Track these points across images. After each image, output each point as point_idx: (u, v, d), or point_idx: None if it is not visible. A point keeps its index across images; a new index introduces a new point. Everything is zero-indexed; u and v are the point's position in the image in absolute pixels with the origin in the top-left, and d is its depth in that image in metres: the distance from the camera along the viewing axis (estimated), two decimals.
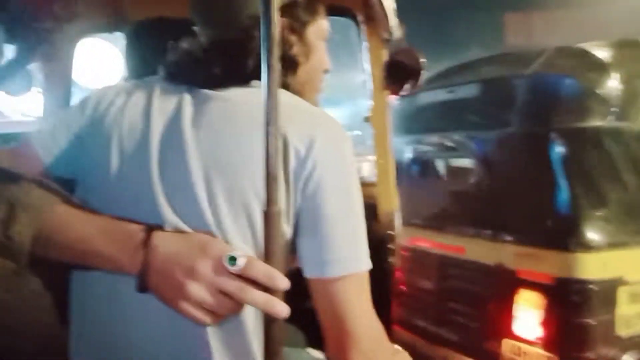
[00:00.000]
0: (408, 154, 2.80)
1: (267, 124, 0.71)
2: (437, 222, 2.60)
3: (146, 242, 0.76)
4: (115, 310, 0.84)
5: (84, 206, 0.85)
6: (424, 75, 1.72)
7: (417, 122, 2.82)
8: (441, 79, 2.79)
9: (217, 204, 0.81)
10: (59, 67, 1.74)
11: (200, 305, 0.73)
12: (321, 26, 1.06)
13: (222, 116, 0.86)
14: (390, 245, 1.73)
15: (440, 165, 2.75)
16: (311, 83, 1.06)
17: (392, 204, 1.75)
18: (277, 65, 0.71)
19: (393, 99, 1.91)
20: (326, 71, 1.11)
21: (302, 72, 1.00)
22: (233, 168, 0.82)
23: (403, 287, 2.68)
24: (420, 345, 2.65)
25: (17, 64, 1.84)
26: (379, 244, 1.71)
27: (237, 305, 0.74)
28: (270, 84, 0.71)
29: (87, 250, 0.80)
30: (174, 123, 0.86)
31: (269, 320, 0.72)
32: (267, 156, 0.71)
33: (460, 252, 2.49)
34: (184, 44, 0.94)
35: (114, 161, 0.86)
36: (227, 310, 0.74)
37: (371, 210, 1.75)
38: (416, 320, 2.71)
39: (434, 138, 2.68)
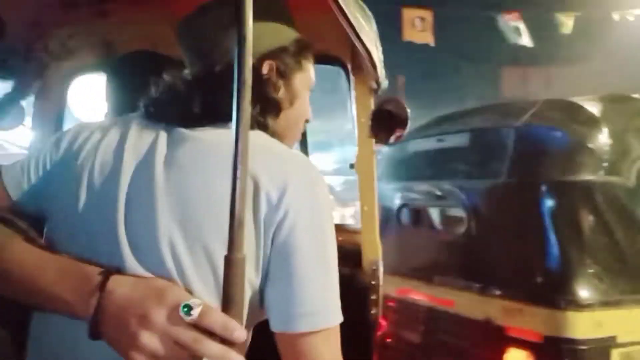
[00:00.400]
0: (397, 201, 2.76)
1: (235, 166, 0.68)
2: (425, 273, 2.53)
3: (102, 286, 0.72)
4: (71, 353, 0.80)
5: (43, 245, 0.83)
6: (409, 125, 1.72)
7: (406, 169, 2.80)
8: (432, 127, 2.78)
9: (179, 248, 0.77)
10: (51, 102, 1.75)
11: (152, 356, 0.69)
12: (308, 75, 1.06)
13: (194, 157, 0.83)
14: (373, 296, 1.67)
15: (429, 214, 2.70)
16: (292, 129, 1.05)
17: (376, 252, 1.71)
18: (248, 108, 0.69)
19: (380, 147, 1.90)
20: (307, 121, 1.10)
21: (284, 117, 0.99)
22: (199, 212, 0.78)
23: (389, 340, 2.59)
24: None
25: (10, 99, 1.85)
26: (361, 293, 1.66)
27: (193, 357, 0.69)
28: (240, 127, 0.69)
29: (41, 291, 0.77)
30: (146, 162, 0.85)
31: None
32: (233, 199, 0.68)
33: (449, 305, 2.41)
34: (166, 80, 0.93)
35: (82, 198, 0.84)
36: None
37: (355, 258, 1.71)
38: None
39: (423, 186, 2.64)
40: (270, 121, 0.94)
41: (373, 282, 1.69)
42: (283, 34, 1.00)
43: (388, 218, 2.74)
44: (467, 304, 2.35)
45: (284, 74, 0.99)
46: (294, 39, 1.02)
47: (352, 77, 1.77)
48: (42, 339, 0.86)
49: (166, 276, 0.76)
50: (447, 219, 2.51)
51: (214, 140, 0.85)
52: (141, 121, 0.92)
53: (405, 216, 2.76)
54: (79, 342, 0.74)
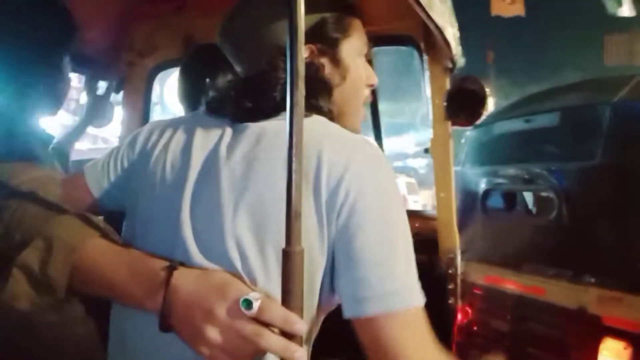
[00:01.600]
0: (482, 186, 2.66)
1: (290, 159, 0.69)
2: (514, 260, 2.44)
3: (167, 282, 0.76)
4: (149, 341, 0.83)
5: (117, 241, 0.88)
6: (500, 104, 1.65)
7: (492, 152, 2.69)
8: (519, 107, 2.65)
9: (243, 240, 0.79)
10: (138, 98, 1.84)
11: (219, 349, 0.72)
12: (356, 41, 1.02)
13: (256, 148, 0.86)
14: (450, 285, 1.66)
15: (517, 199, 2.58)
16: (351, 102, 1.03)
17: (453, 240, 1.70)
18: (301, 99, 0.70)
19: (457, 129, 1.83)
20: (371, 86, 1.07)
21: (339, 93, 0.98)
22: (262, 203, 0.80)
23: (475, 328, 2.53)
24: None
25: (100, 98, 1.97)
26: (438, 283, 1.67)
27: (258, 348, 0.72)
28: (294, 118, 0.69)
29: (114, 287, 0.82)
30: (212, 157, 0.88)
31: None
32: (289, 192, 0.69)
33: (540, 293, 2.31)
34: (220, 79, 0.97)
35: (155, 195, 0.90)
36: (248, 353, 0.72)
37: (433, 245, 1.69)
38: None
39: (511, 170, 2.52)
40: (324, 102, 0.94)
41: (450, 271, 1.69)
42: (315, 11, 0.95)
43: (473, 204, 2.66)
44: (558, 292, 2.24)
45: (325, 52, 0.97)
46: (328, 12, 0.97)
47: (425, 57, 1.72)
48: (121, 330, 0.91)
49: (230, 268, 0.78)
50: (536, 204, 2.39)
51: (274, 130, 0.87)
52: (206, 118, 0.96)
53: (491, 201, 2.66)
54: (154, 333, 0.78)
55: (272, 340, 0.69)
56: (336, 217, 0.79)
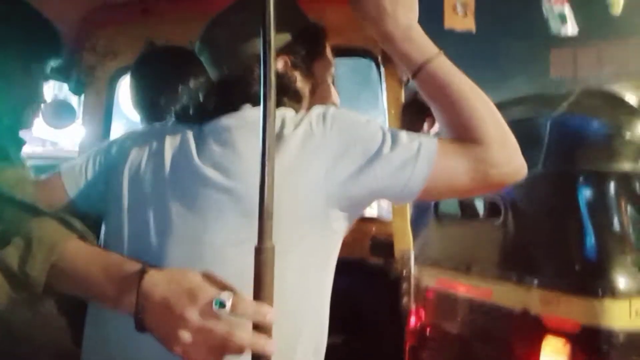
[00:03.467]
0: None
1: (263, 163, 0.73)
2: (463, 264, 2.57)
3: (138, 286, 0.79)
4: (125, 337, 0.87)
5: (94, 243, 0.92)
6: None
7: None
8: None
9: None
10: (100, 101, 1.85)
11: (193, 348, 0.76)
12: (327, 60, 1.11)
13: (221, 141, 0.93)
14: (404, 285, 1.75)
15: (466, 205, 2.72)
16: None
17: (407, 242, 1.78)
18: (273, 108, 0.74)
19: None
20: (333, 104, 1.13)
21: (309, 105, 1.05)
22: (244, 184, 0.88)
23: (428, 330, 2.64)
24: None
25: (62, 100, 1.97)
26: (393, 283, 1.74)
27: (231, 345, 0.75)
28: (267, 125, 0.73)
29: (90, 287, 0.85)
30: (184, 160, 0.94)
31: (256, 357, 0.74)
32: (262, 193, 0.72)
33: (487, 295, 2.44)
34: (192, 85, 1.04)
35: (132, 199, 0.95)
36: (220, 351, 0.76)
37: (388, 249, 1.78)
38: None
39: None
40: (296, 107, 1.01)
41: (405, 272, 1.76)
42: (293, 27, 1.04)
43: (426, 208, 2.79)
44: (504, 294, 2.37)
45: (299, 66, 1.05)
46: (306, 29, 1.07)
47: (382, 69, 1.80)
48: (97, 328, 0.95)
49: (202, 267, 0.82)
50: (484, 209, 2.53)
51: (238, 124, 0.93)
52: (176, 126, 1.01)
53: (443, 207, 2.79)
54: (131, 332, 0.81)
55: (242, 336, 0.73)
56: (329, 135, 0.90)
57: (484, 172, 0.91)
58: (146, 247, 0.89)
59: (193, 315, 0.75)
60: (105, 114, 1.88)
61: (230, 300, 0.73)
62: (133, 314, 0.79)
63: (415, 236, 2.95)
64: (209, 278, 0.79)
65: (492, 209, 2.49)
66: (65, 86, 1.96)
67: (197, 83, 1.03)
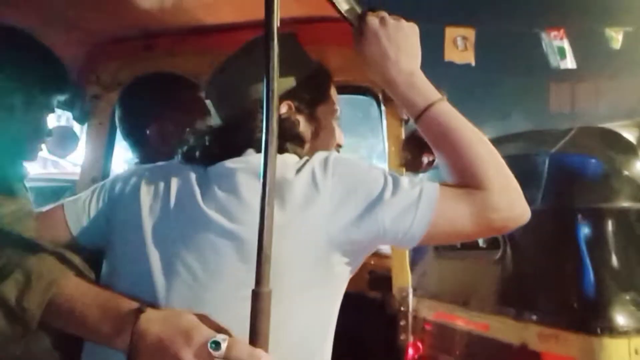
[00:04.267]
0: None
1: (263, 207, 0.73)
2: (462, 298, 2.58)
3: (133, 325, 0.80)
4: None
5: (91, 280, 0.93)
6: None
7: None
8: None
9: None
10: (103, 130, 1.89)
11: None
12: (331, 104, 1.13)
13: (225, 185, 0.93)
14: (402, 322, 1.74)
15: None
16: None
17: (405, 279, 1.77)
18: (275, 155, 0.75)
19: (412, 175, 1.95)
20: (339, 146, 1.17)
21: (310, 147, 1.06)
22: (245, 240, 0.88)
23: None
24: None
25: (65, 128, 1.97)
26: (391, 319, 1.74)
27: None
28: (267, 170, 0.73)
29: (86, 325, 0.85)
30: (188, 200, 0.95)
31: None
32: (260, 237, 0.73)
33: (485, 329, 2.44)
34: (199, 129, 1.06)
35: (136, 236, 0.95)
36: None
37: (387, 283, 1.79)
38: None
39: None
40: (295, 151, 1.01)
41: (403, 309, 1.75)
42: (298, 72, 1.05)
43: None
44: (502, 328, 2.38)
45: (302, 110, 1.06)
46: (311, 74, 1.08)
47: (382, 107, 1.83)
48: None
49: (194, 310, 0.82)
50: (483, 245, 2.55)
51: (242, 168, 0.94)
52: (180, 166, 1.02)
53: None
54: None
55: None
56: (331, 188, 0.90)
57: (486, 218, 0.91)
58: (147, 288, 0.89)
59: (187, 355, 0.75)
60: (107, 142, 1.91)
61: (226, 342, 0.73)
62: (127, 352, 0.80)
63: (413, 268, 2.97)
64: (205, 320, 0.79)
65: (491, 242, 2.51)
66: (69, 114, 1.99)
67: (202, 124, 1.06)
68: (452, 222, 0.91)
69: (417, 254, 2.91)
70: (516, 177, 2.49)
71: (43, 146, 1.34)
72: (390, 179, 0.91)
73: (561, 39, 7.21)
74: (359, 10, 1.01)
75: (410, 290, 1.77)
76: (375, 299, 1.82)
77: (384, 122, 1.84)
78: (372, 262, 1.81)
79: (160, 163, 1.09)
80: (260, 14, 0.74)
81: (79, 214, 1.03)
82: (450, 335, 2.58)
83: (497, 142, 2.90)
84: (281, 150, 0.94)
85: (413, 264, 3.00)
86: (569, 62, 7.44)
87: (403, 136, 1.81)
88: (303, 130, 1.05)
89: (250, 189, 0.89)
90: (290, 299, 0.85)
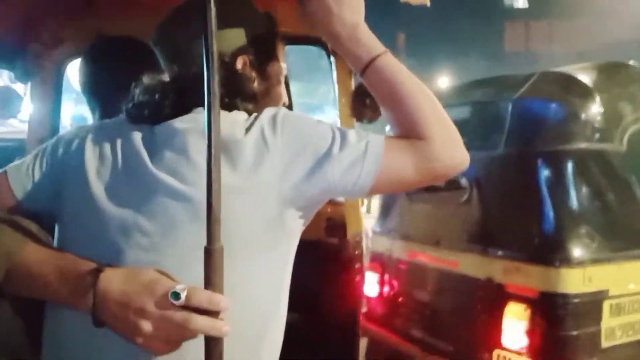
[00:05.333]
0: None
1: (210, 169, 0.74)
2: (433, 237, 2.74)
3: (94, 285, 0.81)
4: (84, 334, 0.87)
5: (48, 245, 0.93)
6: None
7: None
8: (441, 99, 2.92)
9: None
10: (47, 88, 1.83)
11: (154, 337, 0.79)
12: (280, 64, 1.13)
13: (174, 146, 0.93)
14: (357, 265, 1.81)
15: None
16: None
17: (358, 224, 1.83)
18: (218, 118, 0.75)
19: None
20: (284, 104, 1.14)
21: (261, 106, 1.03)
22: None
23: (400, 299, 2.82)
24: (418, 355, 2.79)
25: (7, 89, 1.96)
26: (346, 263, 1.81)
27: (189, 332, 0.78)
28: (212, 133, 0.74)
29: (47, 290, 0.87)
30: (135, 159, 0.94)
31: (210, 340, 0.77)
32: (209, 199, 0.74)
33: (454, 266, 2.62)
34: (144, 83, 1.00)
35: (83, 199, 0.94)
36: (180, 338, 0.80)
37: (342, 229, 1.85)
38: (414, 331, 2.85)
39: None
40: (247, 107, 1.00)
41: (357, 252, 1.82)
42: (249, 27, 1.04)
43: None
44: (470, 264, 2.56)
45: (256, 66, 1.05)
46: (262, 29, 1.07)
47: (332, 58, 1.85)
48: (56, 327, 0.94)
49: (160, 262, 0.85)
50: (452, 187, 2.68)
51: (190, 128, 0.93)
52: (126, 125, 0.99)
53: None
54: (90, 328, 0.83)
55: (199, 321, 0.76)
56: (280, 142, 0.91)
57: (429, 167, 0.95)
58: (103, 251, 0.89)
59: (152, 307, 0.78)
60: (53, 100, 1.85)
61: (185, 292, 0.76)
62: (91, 311, 0.81)
63: (388, 212, 3.12)
64: (164, 274, 0.82)
65: (458, 187, 2.65)
66: (8, 74, 1.94)
67: (151, 80, 1.00)
68: (398, 172, 0.95)
69: (390, 197, 3.05)
70: (481, 122, 2.66)
71: None
72: (337, 134, 0.93)
73: None
74: None
75: (364, 235, 1.84)
76: (332, 245, 1.88)
77: (334, 73, 1.86)
78: (329, 210, 1.85)
79: (103, 121, 1.08)
80: None
81: (23, 180, 1.01)
82: (423, 272, 2.76)
83: (463, 88, 3.03)
84: (231, 107, 0.96)
85: (387, 207, 3.16)
86: (521, 1, 7.38)
87: (352, 87, 1.76)
88: (257, 87, 1.04)
89: (200, 150, 0.88)
90: (244, 257, 0.88)
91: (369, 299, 3.01)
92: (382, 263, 3.02)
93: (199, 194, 0.83)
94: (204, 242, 0.75)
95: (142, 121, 0.98)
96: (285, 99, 1.16)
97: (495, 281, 2.43)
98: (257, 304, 0.93)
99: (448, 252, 2.65)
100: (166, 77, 1.01)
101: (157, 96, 0.97)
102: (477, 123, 2.67)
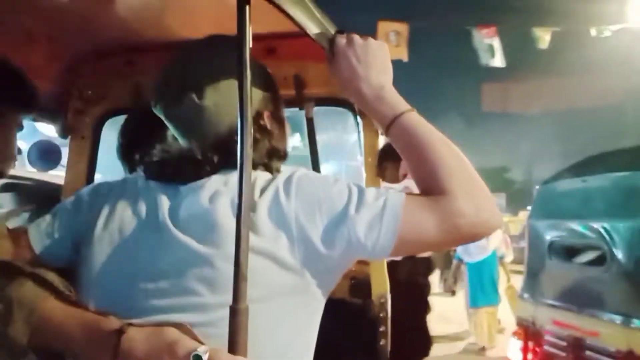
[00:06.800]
0: (548, 237, 2.95)
1: (239, 227, 0.76)
2: (575, 305, 2.72)
3: (117, 346, 0.81)
4: None
5: (70, 299, 0.91)
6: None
7: (556, 208, 2.98)
8: (579, 168, 2.96)
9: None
10: (86, 144, 1.87)
11: None
12: (283, 108, 1.12)
13: (193, 207, 0.93)
14: (381, 328, 1.75)
15: (577, 250, 2.89)
16: None
17: (384, 284, 1.79)
18: (249, 178, 0.79)
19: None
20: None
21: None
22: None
23: None
24: None
25: (48, 142, 1.98)
26: (371, 325, 1.76)
27: None
28: (242, 202, 0.76)
29: (71, 346, 0.87)
30: (154, 218, 0.94)
31: None
32: (237, 256, 0.76)
33: (595, 335, 2.60)
34: (163, 146, 1.03)
35: (104, 252, 0.95)
36: None
37: (367, 288, 1.80)
38: None
39: (571, 224, 2.82)
40: (273, 163, 1.00)
41: (382, 314, 1.76)
42: (260, 80, 1.03)
43: (541, 252, 2.96)
44: (611, 335, 2.54)
45: (278, 118, 1.06)
46: (266, 80, 1.06)
47: (359, 119, 1.85)
48: None
49: (175, 323, 0.83)
50: (593, 255, 2.68)
51: (211, 187, 0.93)
52: (147, 181, 1.01)
53: (555, 251, 2.94)
54: None
55: None
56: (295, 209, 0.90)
57: (451, 224, 0.90)
58: (121, 303, 0.90)
59: None
60: (90, 156, 1.89)
61: (207, 354, 0.75)
62: None
63: (533, 278, 3.09)
64: (184, 330, 0.81)
65: (599, 256, 2.65)
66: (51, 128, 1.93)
67: (174, 141, 1.03)
68: (419, 231, 0.90)
69: (535, 262, 3.04)
70: (622, 192, 2.69)
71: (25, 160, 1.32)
72: (355, 192, 0.91)
73: (491, 36, 7.07)
74: (329, 33, 1.05)
75: (389, 296, 1.78)
76: (356, 305, 1.81)
77: (361, 133, 1.85)
78: (354, 269, 1.77)
79: (126, 177, 1.09)
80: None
81: (42, 235, 1.04)
82: (565, 341, 2.72)
83: (602, 157, 3.07)
84: (260, 166, 0.97)
85: (533, 273, 3.12)
86: (498, 61, 7.39)
87: (379, 147, 1.80)
88: (279, 139, 1.05)
89: (225, 211, 0.90)
90: (269, 316, 0.88)
91: None
92: (526, 329, 2.97)
93: (219, 255, 0.86)
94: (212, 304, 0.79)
95: (163, 179, 0.99)
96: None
97: (636, 353, 2.41)
98: None
99: (589, 322, 2.63)
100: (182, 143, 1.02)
101: (180, 156, 0.99)
102: (618, 192, 2.70)
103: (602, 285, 2.65)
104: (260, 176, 0.95)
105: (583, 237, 2.76)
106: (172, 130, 1.03)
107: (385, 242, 0.88)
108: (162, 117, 1.03)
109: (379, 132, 1.72)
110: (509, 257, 6.33)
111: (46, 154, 1.92)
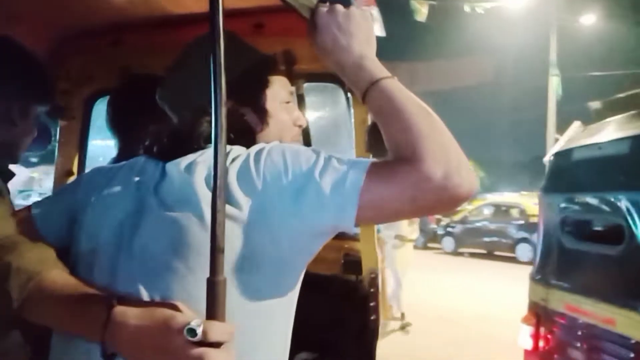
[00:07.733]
0: (560, 213, 2.63)
1: (215, 201, 0.76)
2: (588, 288, 2.43)
3: (108, 321, 0.84)
4: None
5: (67, 274, 0.97)
6: None
7: (569, 180, 2.67)
8: (593, 134, 2.64)
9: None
10: (75, 124, 1.95)
11: None
12: (278, 90, 1.13)
13: (185, 181, 0.96)
14: (372, 303, 1.77)
15: (592, 226, 2.60)
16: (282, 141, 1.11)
17: (374, 261, 1.80)
18: (224, 151, 0.78)
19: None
20: (300, 126, 1.17)
21: (264, 136, 1.09)
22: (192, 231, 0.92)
23: (556, 356, 2.47)
24: None
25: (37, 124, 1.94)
26: (362, 300, 1.77)
27: None
28: (218, 166, 0.77)
29: (61, 318, 0.91)
30: (147, 194, 0.99)
31: None
32: (213, 229, 0.76)
33: (610, 324, 2.31)
34: (154, 124, 1.09)
35: (101, 233, 0.98)
36: None
37: (356, 266, 1.81)
38: None
39: (585, 198, 2.51)
40: (245, 143, 1.02)
41: (372, 290, 1.77)
42: (238, 65, 1.03)
43: (553, 229, 2.68)
44: (628, 323, 2.25)
45: (245, 101, 1.07)
46: (250, 65, 1.09)
47: (349, 94, 1.86)
48: (61, 354, 0.98)
49: (168, 293, 0.88)
50: (609, 232, 2.39)
51: (199, 161, 0.97)
52: (145, 161, 1.06)
53: (568, 228, 2.64)
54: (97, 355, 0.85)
55: (216, 357, 0.77)
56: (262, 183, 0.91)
57: (416, 188, 0.87)
58: (115, 280, 0.94)
59: (168, 344, 0.79)
60: (81, 136, 1.97)
61: (201, 327, 0.77)
62: (103, 345, 0.84)
63: (546, 259, 2.77)
64: (176, 308, 0.84)
65: (617, 231, 2.34)
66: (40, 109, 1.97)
67: (164, 120, 1.09)
68: (382, 196, 0.88)
69: (549, 244, 2.72)
70: None
71: None
72: (322, 157, 0.92)
73: (370, 5, 7.36)
74: (311, 3, 1.06)
75: (379, 272, 1.79)
76: (349, 282, 1.85)
77: (351, 108, 1.87)
78: (346, 246, 1.88)
79: (129, 160, 1.12)
80: (225, 3, 0.78)
81: (46, 214, 1.10)
82: (578, 328, 2.43)
83: (622, 121, 2.72)
84: (232, 142, 0.98)
85: (547, 254, 2.82)
86: (378, 30, 7.58)
87: (369, 121, 1.78)
88: (250, 121, 1.09)
89: (205, 183, 0.94)
90: (243, 288, 0.91)
91: (525, 352, 2.69)
92: (537, 315, 2.67)
93: (203, 222, 0.90)
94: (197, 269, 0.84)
95: (156, 157, 1.04)
96: (301, 121, 1.17)
97: None
98: (256, 340, 0.95)
99: (604, 308, 2.33)
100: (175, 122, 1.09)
101: (165, 135, 1.05)
102: (636, 160, 2.37)
103: (619, 266, 2.36)
104: (236, 149, 0.99)
105: (599, 212, 2.45)
106: (160, 103, 1.09)
107: (349, 204, 0.88)
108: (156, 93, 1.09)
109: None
110: (414, 235, 6.52)
111: (38, 136, 1.86)
